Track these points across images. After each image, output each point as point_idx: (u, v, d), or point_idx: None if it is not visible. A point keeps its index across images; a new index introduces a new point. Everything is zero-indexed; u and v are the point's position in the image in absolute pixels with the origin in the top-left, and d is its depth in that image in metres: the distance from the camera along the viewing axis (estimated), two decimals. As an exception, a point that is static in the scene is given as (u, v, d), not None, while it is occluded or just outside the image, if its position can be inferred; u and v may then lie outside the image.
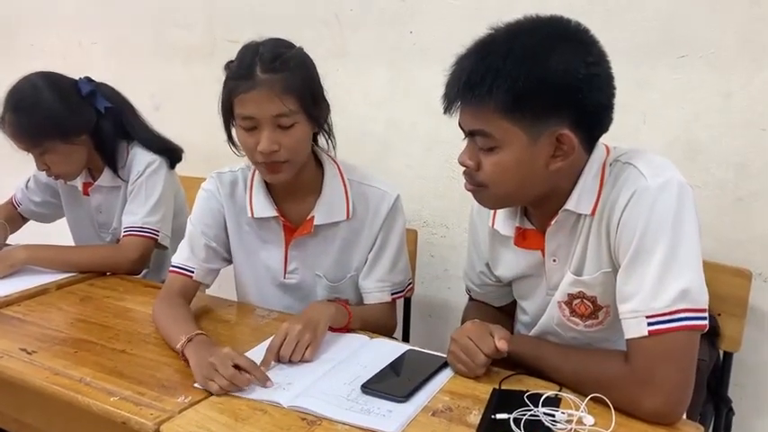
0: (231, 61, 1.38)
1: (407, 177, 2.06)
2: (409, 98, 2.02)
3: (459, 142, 1.17)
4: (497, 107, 1.06)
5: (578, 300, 1.21)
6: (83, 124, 1.77)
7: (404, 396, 1.11)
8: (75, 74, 1.82)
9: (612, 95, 1.12)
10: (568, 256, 1.20)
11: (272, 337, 1.28)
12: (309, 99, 1.37)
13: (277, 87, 1.31)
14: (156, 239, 1.82)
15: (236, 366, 1.16)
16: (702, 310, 1.05)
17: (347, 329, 1.40)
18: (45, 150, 1.73)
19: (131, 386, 1.17)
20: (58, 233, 2.12)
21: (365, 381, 1.16)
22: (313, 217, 1.48)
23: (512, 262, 1.32)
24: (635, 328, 1.06)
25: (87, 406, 1.13)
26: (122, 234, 1.82)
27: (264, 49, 1.34)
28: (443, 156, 1.97)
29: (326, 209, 1.49)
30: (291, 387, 1.15)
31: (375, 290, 1.54)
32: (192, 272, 1.51)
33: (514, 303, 1.43)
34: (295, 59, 1.36)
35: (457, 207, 1.98)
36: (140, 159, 1.83)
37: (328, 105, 1.44)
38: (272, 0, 2.18)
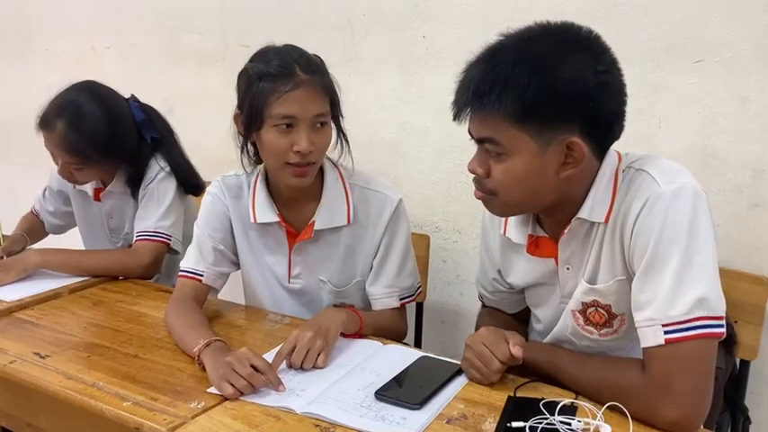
0: (250, 66, 1.37)
1: (419, 182, 2.05)
2: (421, 103, 2.01)
3: (472, 147, 1.16)
4: (506, 115, 1.05)
5: (592, 308, 1.20)
6: (125, 152, 1.80)
7: (418, 403, 1.10)
8: (91, 78, 1.83)
9: (623, 103, 1.11)
10: (582, 265, 1.19)
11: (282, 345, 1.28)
12: (337, 103, 1.42)
13: (318, 87, 1.35)
14: (169, 244, 1.82)
15: (253, 367, 1.16)
16: (719, 318, 1.03)
17: (359, 335, 1.39)
18: (80, 167, 1.74)
19: (144, 391, 1.17)
20: (69, 236, 2.14)
21: (379, 387, 1.15)
22: (314, 222, 1.48)
23: (524, 270, 1.31)
24: (651, 336, 1.05)
25: (100, 411, 1.13)
26: (135, 239, 1.82)
27: (294, 53, 1.36)
28: (456, 160, 1.96)
29: (327, 214, 1.48)
30: (305, 393, 1.15)
31: (383, 296, 1.53)
32: (202, 275, 1.51)
33: (528, 310, 1.42)
34: (323, 64, 1.40)
35: (469, 212, 1.98)
36: (152, 165, 1.84)
37: (341, 112, 1.46)
38: (285, 5, 2.18)
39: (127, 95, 1.87)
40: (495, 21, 1.82)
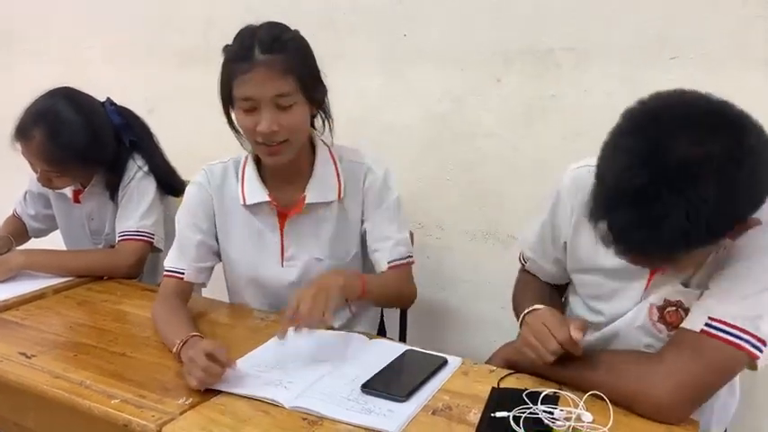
0: (228, 45, 1.38)
1: (403, 180, 2.04)
2: (404, 101, 2.02)
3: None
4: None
5: (673, 308, 1.16)
6: (105, 157, 1.79)
7: (404, 395, 1.12)
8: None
9: None
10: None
11: (267, 341, 1.28)
12: (308, 80, 1.38)
13: (276, 68, 1.32)
14: (152, 243, 1.82)
15: (212, 358, 1.16)
16: (763, 343, 1.02)
17: (364, 294, 1.38)
18: (60, 175, 1.74)
19: (132, 389, 1.18)
20: (53, 237, 2.12)
21: (365, 381, 1.17)
22: (305, 196, 1.49)
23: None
24: (692, 320, 1.06)
25: (88, 409, 1.14)
26: (117, 239, 1.82)
27: (262, 32, 1.35)
28: (438, 157, 1.98)
29: (318, 188, 1.49)
30: (292, 386, 1.16)
31: (384, 249, 1.51)
32: (183, 273, 1.51)
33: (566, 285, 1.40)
34: (293, 41, 1.38)
35: (451, 209, 1.99)
36: (130, 166, 1.84)
37: (325, 87, 1.44)
38: (267, 4, 2.18)
39: (110, 95, 1.86)
40: (476, 19, 1.84)
